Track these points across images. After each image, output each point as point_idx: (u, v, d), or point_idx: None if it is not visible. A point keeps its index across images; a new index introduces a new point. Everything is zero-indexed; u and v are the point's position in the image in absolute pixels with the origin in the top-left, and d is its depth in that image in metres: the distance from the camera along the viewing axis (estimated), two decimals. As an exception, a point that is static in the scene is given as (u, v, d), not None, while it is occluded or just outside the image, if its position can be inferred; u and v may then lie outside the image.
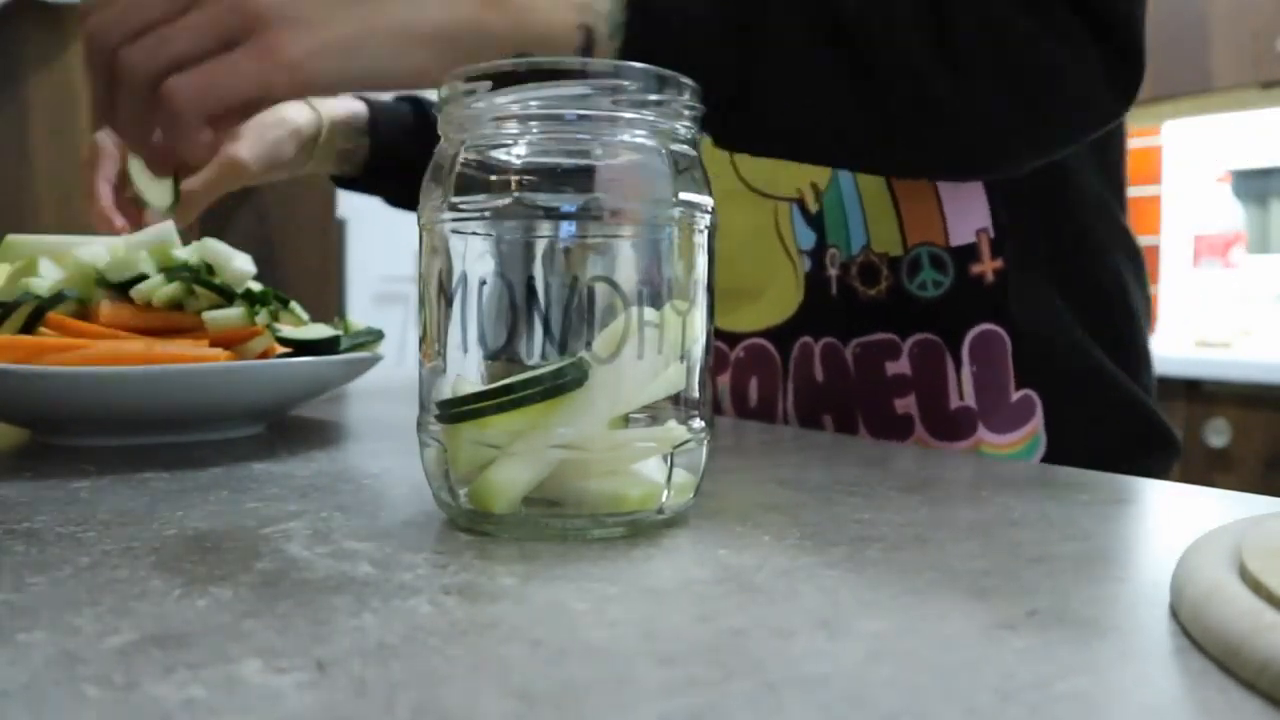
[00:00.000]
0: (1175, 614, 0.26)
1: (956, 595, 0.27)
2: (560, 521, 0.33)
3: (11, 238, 0.56)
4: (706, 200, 0.35)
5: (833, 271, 0.66)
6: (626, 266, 0.34)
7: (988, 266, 0.62)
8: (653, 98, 0.34)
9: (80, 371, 0.46)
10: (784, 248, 0.68)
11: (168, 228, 0.57)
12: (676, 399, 0.35)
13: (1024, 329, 0.63)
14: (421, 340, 0.36)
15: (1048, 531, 0.35)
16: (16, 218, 1.67)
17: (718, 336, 0.71)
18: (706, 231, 0.35)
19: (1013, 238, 0.62)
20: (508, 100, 0.33)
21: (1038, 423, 0.64)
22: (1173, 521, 0.38)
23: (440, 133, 0.36)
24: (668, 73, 0.34)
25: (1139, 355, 0.69)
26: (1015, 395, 0.63)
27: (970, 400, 0.63)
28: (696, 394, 0.35)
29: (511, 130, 0.33)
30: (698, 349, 0.35)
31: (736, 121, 0.50)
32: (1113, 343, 0.67)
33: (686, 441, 0.34)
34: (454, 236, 0.34)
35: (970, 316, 0.63)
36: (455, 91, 0.34)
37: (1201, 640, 0.23)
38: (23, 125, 1.71)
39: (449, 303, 0.34)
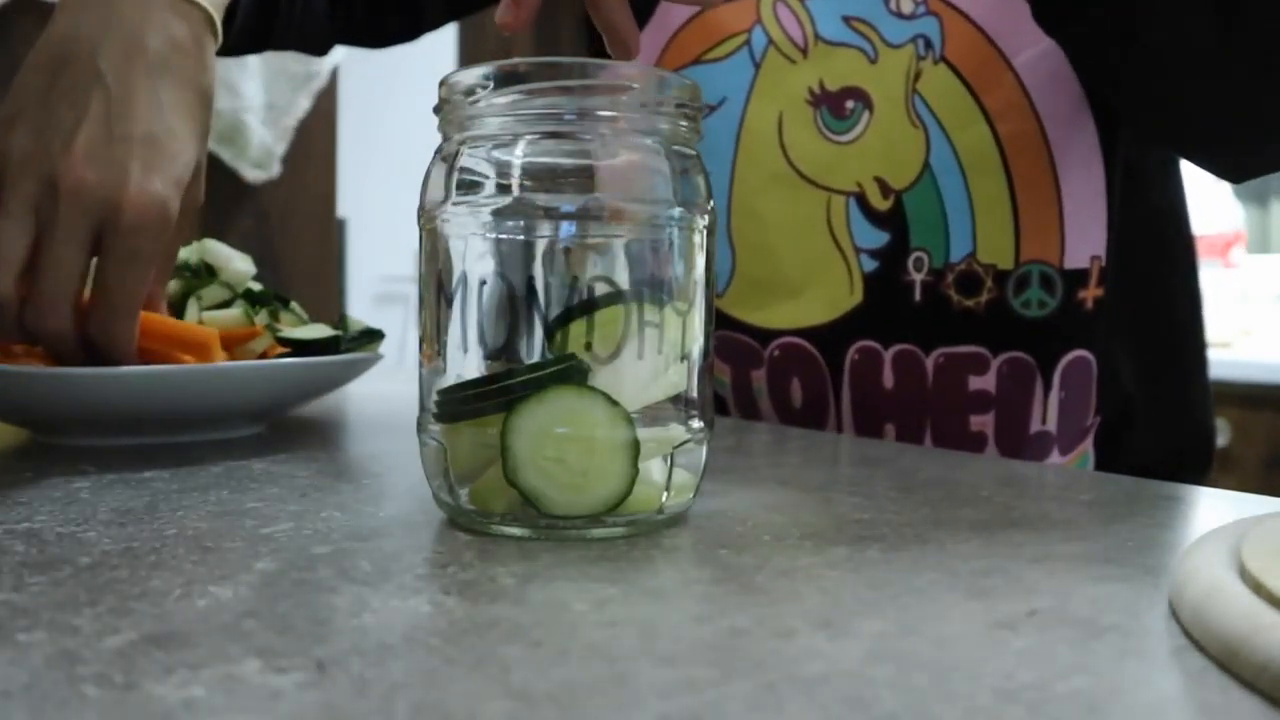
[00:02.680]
0: (1175, 614, 0.26)
1: (956, 595, 0.27)
2: (561, 521, 0.33)
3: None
4: (706, 200, 0.35)
5: (918, 276, 0.62)
6: (627, 266, 0.34)
7: (1090, 293, 0.61)
8: (653, 98, 0.34)
9: (80, 372, 0.46)
10: (835, 243, 0.64)
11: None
12: (676, 399, 0.35)
13: (1112, 357, 0.62)
14: (421, 341, 0.36)
15: (1048, 531, 0.35)
16: (16, 218, 1.67)
17: (746, 331, 0.68)
18: (706, 231, 0.35)
19: (1120, 267, 0.61)
20: (508, 100, 0.33)
21: (1089, 441, 0.63)
22: (1173, 521, 0.38)
23: (441, 132, 0.35)
24: (668, 74, 0.34)
25: (1203, 375, 0.70)
26: (1088, 420, 0.63)
27: (1052, 425, 0.62)
28: (696, 394, 0.35)
29: (511, 130, 0.33)
30: (697, 349, 0.35)
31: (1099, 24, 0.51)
32: (1185, 368, 0.67)
33: (686, 442, 0.34)
34: (454, 237, 0.34)
35: (1069, 341, 0.61)
36: (455, 91, 0.34)
37: (1201, 640, 0.23)
38: (23, 125, 1.70)
39: (449, 303, 0.34)
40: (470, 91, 0.34)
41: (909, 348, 0.63)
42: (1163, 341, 0.67)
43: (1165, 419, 0.67)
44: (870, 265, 0.64)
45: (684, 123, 0.34)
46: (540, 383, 0.32)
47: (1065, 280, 0.60)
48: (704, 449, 0.36)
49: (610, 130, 0.33)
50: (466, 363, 0.34)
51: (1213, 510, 0.40)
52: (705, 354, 0.36)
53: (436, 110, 0.35)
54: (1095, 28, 0.52)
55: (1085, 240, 0.60)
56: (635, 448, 0.32)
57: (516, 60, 0.33)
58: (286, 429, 0.57)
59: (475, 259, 0.34)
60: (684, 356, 0.34)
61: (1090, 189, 0.60)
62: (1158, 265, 0.66)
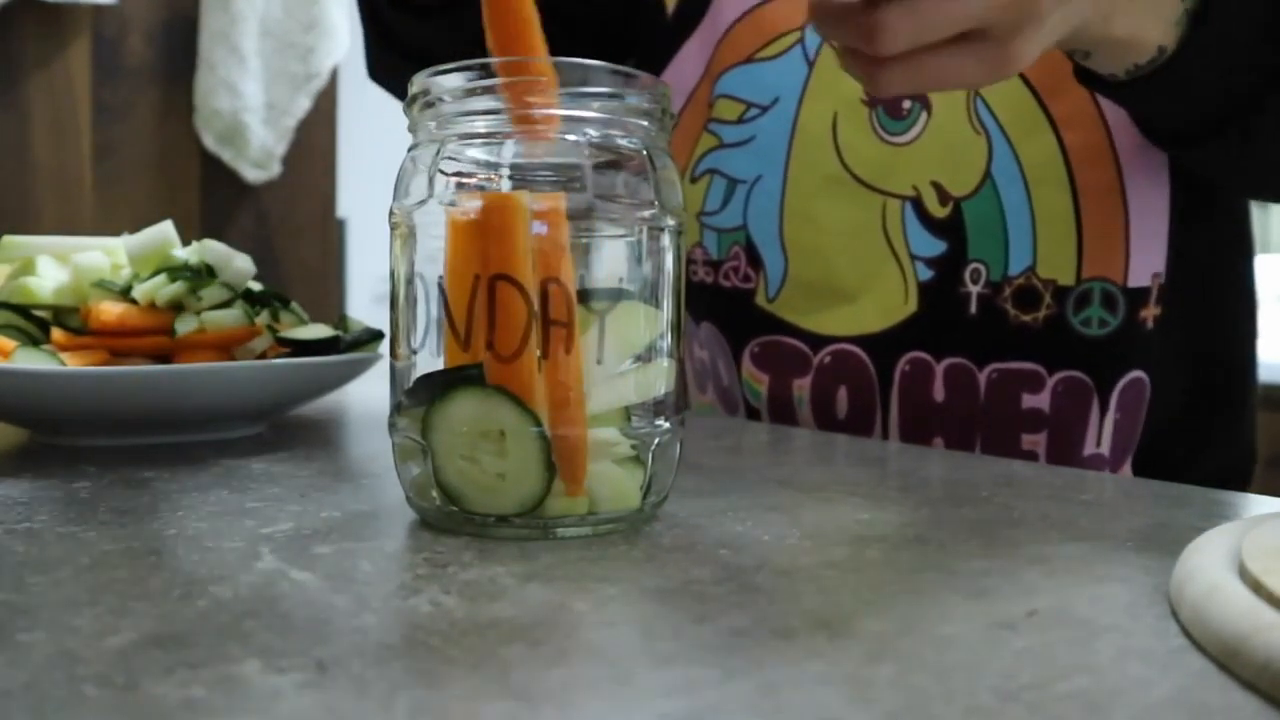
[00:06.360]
0: (1175, 614, 0.26)
1: (956, 595, 0.27)
2: (540, 520, 0.33)
3: (10, 238, 0.56)
4: (677, 201, 0.35)
5: (974, 288, 0.60)
6: (597, 266, 0.35)
7: (1150, 312, 0.59)
8: (629, 99, 0.34)
9: (80, 371, 0.46)
10: (891, 249, 0.62)
11: (167, 228, 0.57)
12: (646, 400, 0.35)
13: (1164, 378, 0.60)
14: (393, 340, 0.36)
15: (1048, 531, 0.35)
16: (16, 218, 1.67)
17: (798, 336, 0.66)
18: (676, 232, 0.35)
19: (1181, 283, 0.59)
20: (484, 101, 0.33)
21: (1128, 464, 0.62)
22: (1172, 521, 0.38)
23: (411, 132, 0.35)
24: (636, 73, 0.34)
25: (1249, 392, 0.68)
26: (1134, 442, 0.61)
27: (1105, 449, 0.60)
28: (663, 393, 0.35)
29: (487, 131, 0.33)
30: (666, 348, 0.35)
31: (1217, 145, 0.51)
32: (1236, 389, 0.66)
33: (657, 439, 0.34)
34: (433, 237, 0.35)
35: (1128, 362, 0.59)
36: (429, 92, 0.34)
37: (1201, 640, 0.23)
38: (23, 125, 1.71)
39: (426, 303, 0.35)
40: (445, 92, 0.34)
41: (962, 361, 0.61)
42: (1217, 360, 0.65)
43: (1210, 441, 0.64)
44: (926, 274, 0.62)
45: (656, 123, 0.35)
46: (450, 382, 0.33)
47: (1128, 299, 0.58)
48: (677, 445, 0.36)
49: (582, 130, 0.33)
50: (436, 364, 0.34)
51: (1213, 510, 0.40)
52: (671, 353, 0.36)
53: (407, 109, 0.35)
54: (1210, 153, 0.53)
55: (1148, 257, 0.58)
56: (546, 447, 0.32)
57: (489, 60, 0.33)
58: (286, 429, 0.57)
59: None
60: (656, 354, 0.35)
61: (1157, 203, 0.58)
62: (1218, 277, 0.64)
